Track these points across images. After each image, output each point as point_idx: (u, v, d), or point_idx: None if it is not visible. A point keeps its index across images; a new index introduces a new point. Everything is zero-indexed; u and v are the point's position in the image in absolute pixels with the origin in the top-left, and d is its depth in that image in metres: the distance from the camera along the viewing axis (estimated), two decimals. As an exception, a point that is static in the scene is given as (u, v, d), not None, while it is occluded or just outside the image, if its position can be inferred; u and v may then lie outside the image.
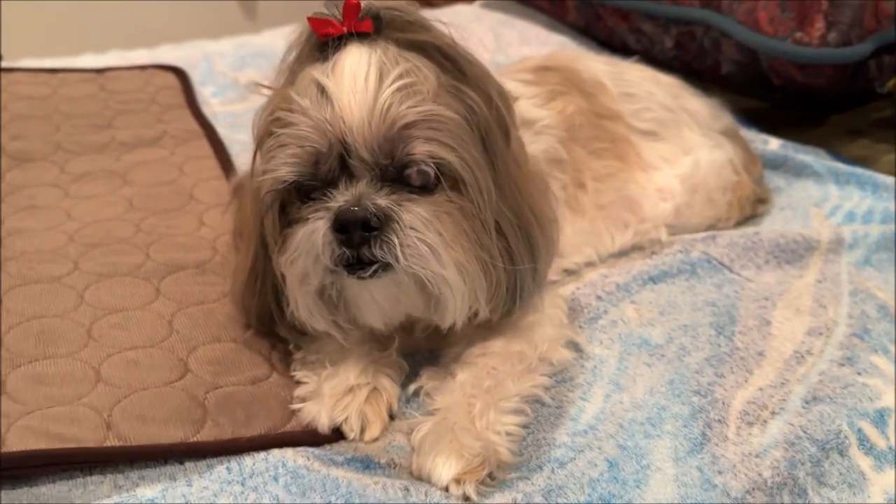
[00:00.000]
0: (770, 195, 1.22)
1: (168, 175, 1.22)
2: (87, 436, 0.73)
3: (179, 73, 1.58)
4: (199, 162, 1.27)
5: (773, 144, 1.33)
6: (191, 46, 1.76)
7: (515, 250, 0.81)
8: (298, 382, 0.84)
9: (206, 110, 1.47)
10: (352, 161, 0.75)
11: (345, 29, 0.78)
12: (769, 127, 1.41)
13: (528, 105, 1.03)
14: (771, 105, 1.51)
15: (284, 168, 0.77)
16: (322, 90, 0.75)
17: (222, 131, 1.39)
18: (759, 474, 0.73)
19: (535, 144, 0.99)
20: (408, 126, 0.74)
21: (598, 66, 1.17)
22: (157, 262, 1.01)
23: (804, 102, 1.45)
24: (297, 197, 0.79)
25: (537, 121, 1.02)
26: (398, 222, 0.73)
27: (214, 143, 1.33)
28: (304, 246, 0.76)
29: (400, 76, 0.75)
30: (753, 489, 0.72)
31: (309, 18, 0.81)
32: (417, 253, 0.74)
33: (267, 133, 0.80)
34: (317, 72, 0.77)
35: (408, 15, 0.81)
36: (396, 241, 0.73)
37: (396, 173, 0.76)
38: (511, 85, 1.04)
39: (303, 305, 0.80)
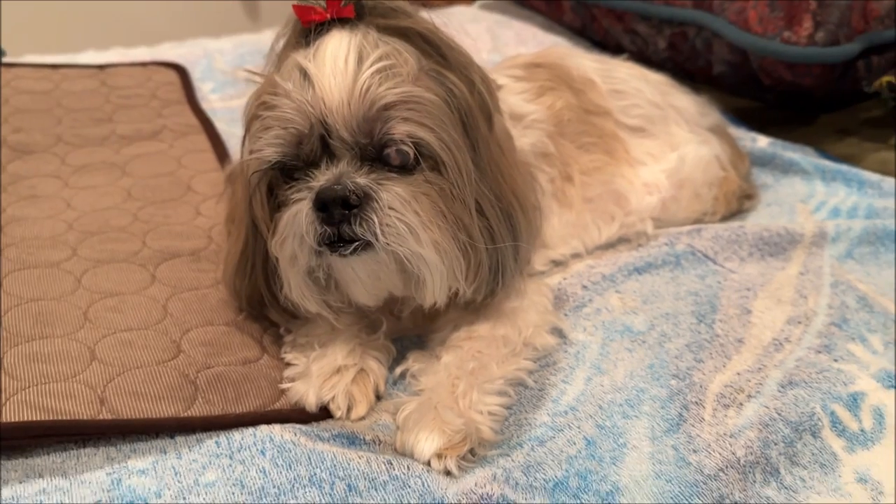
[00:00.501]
0: (757, 191, 1.25)
1: (166, 167, 1.25)
2: (81, 410, 0.76)
3: (180, 70, 1.61)
4: (197, 155, 1.30)
5: (762, 142, 1.35)
6: (192, 44, 1.79)
7: (497, 231, 0.83)
8: (288, 364, 0.86)
9: (205, 106, 1.49)
10: (332, 141, 0.78)
11: (328, 15, 0.81)
12: (760, 126, 1.44)
13: (517, 100, 1.06)
14: (762, 105, 1.53)
15: (269, 149, 0.80)
16: (304, 73, 0.78)
17: (220, 126, 1.41)
18: (733, 453, 0.75)
19: (524, 138, 1.02)
20: (387, 107, 0.77)
21: (587, 63, 1.19)
22: (153, 250, 1.03)
23: (794, 102, 1.47)
24: (282, 178, 0.82)
25: (526, 115, 1.05)
26: (377, 201, 0.76)
27: (212, 138, 1.36)
28: (291, 227, 0.79)
29: (379, 58, 0.77)
30: (727, 467, 0.73)
31: (294, 6, 0.83)
32: (396, 232, 0.76)
33: (254, 117, 0.83)
34: (300, 56, 0.79)
35: (390, 1, 0.83)
36: (375, 219, 0.75)
37: (376, 153, 0.78)
38: (502, 80, 1.07)
39: (294, 286, 0.82)
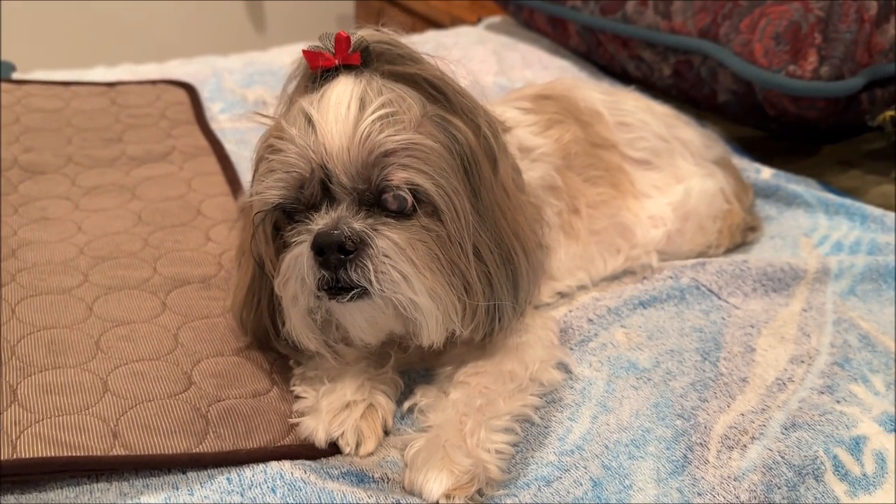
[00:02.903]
0: (761, 223, 1.26)
1: (176, 190, 1.26)
2: (94, 444, 0.76)
3: (189, 89, 1.62)
4: (206, 178, 1.31)
5: (766, 174, 1.36)
6: (200, 62, 1.80)
7: (495, 276, 0.84)
8: (297, 397, 0.87)
9: (214, 126, 1.51)
10: (333, 186, 0.79)
11: (336, 61, 0.83)
12: (763, 156, 1.45)
13: (526, 133, 1.07)
14: (765, 134, 1.55)
15: (271, 191, 0.82)
16: (308, 119, 0.80)
17: (230, 147, 1.42)
18: (737, 497, 0.76)
19: (532, 171, 1.03)
20: (387, 154, 0.78)
21: (595, 95, 1.20)
22: (163, 277, 1.04)
23: (798, 133, 1.48)
24: (284, 219, 0.84)
25: (535, 148, 1.06)
26: (373, 248, 0.77)
27: (222, 160, 1.37)
28: (293, 269, 0.81)
29: (381, 106, 0.79)
30: (731, 511, 0.75)
31: (304, 51, 0.85)
32: (390, 279, 0.78)
33: (261, 158, 0.85)
34: (305, 102, 0.82)
35: (398, 48, 0.85)
36: (370, 266, 0.77)
37: (374, 198, 0.80)
38: (510, 113, 1.09)
39: (296, 325, 0.83)
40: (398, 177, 0.78)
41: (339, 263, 0.77)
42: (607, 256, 1.11)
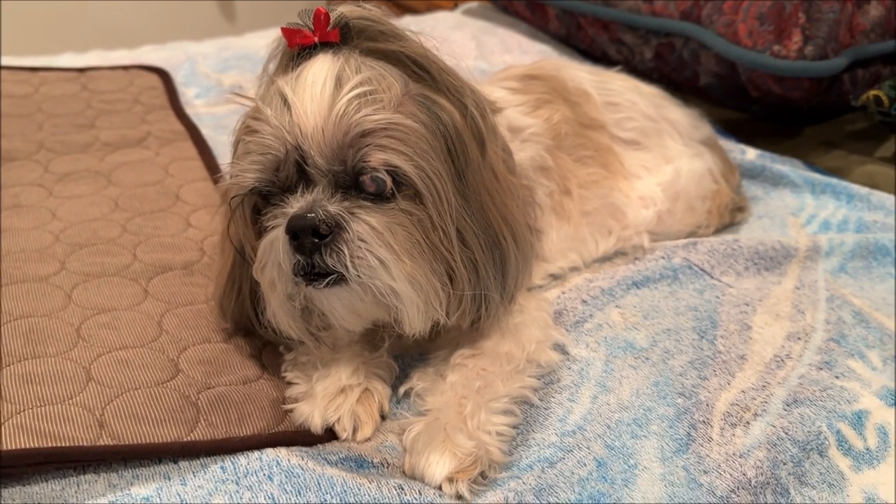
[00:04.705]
0: (748, 204, 1.25)
1: (153, 176, 1.22)
2: (79, 434, 0.73)
3: (162, 74, 1.58)
4: (184, 163, 1.27)
5: (751, 154, 1.36)
6: (173, 47, 1.76)
7: (480, 262, 0.81)
8: (290, 383, 0.84)
9: (190, 111, 1.47)
10: (308, 168, 0.76)
11: (314, 39, 0.80)
12: (746, 137, 1.45)
13: (515, 113, 1.05)
14: (748, 116, 1.55)
15: (246, 174, 0.79)
16: (284, 99, 0.77)
17: (206, 133, 1.39)
18: (744, 474, 0.75)
19: (523, 152, 1.01)
20: (364, 134, 0.75)
21: (582, 75, 1.19)
22: (144, 263, 1.01)
23: (780, 114, 1.48)
24: (262, 203, 0.81)
25: (525, 129, 1.04)
26: (348, 232, 0.74)
27: (199, 145, 1.33)
28: (269, 254, 0.78)
29: (359, 84, 0.75)
30: (738, 488, 0.73)
31: (282, 28, 0.82)
32: (367, 265, 0.74)
33: (238, 140, 0.82)
34: (282, 81, 0.78)
35: (379, 24, 0.81)
36: (346, 251, 0.74)
37: (351, 181, 0.76)
38: (498, 93, 1.06)
39: (276, 312, 0.81)
40: (376, 158, 0.75)
41: (314, 248, 0.74)
42: (599, 237, 1.09)
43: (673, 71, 1.58)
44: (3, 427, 0.73)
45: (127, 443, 0.73)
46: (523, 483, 0.74)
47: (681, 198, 1.15)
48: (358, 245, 0.74)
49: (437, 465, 0.73)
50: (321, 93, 0.75)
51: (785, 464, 0.76)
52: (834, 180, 1.27)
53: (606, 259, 1.09)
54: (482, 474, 0.74)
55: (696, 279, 1.04)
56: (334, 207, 0.75)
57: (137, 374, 0.82)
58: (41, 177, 1.21)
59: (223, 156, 1.31)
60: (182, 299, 0.95)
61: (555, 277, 1.05)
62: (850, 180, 1.29)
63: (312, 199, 0.75)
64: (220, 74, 1.63)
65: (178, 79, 1.59)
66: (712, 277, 1.04)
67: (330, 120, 0.74)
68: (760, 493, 0.74)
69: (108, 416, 0.76)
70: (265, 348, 0.89)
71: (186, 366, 0.84)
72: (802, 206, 1.24)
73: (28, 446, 0.70)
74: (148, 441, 0.74)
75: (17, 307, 0.90)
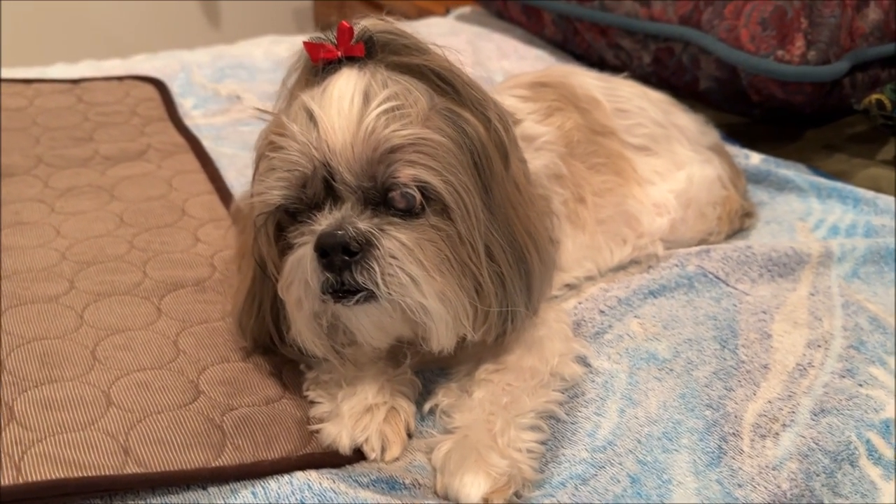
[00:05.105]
0: (755, 209, 1.25)
1: (157, 190, 1.20)
2: (104, 462, 0.71)
3: (158, 85, 1.56)
4: (187, 176, 1.25)
5: (755, 159, 1.36)
6: (166, 56, 1.73)
7: (507, 276, 0.81)
8: (312, 402, 0.83)
9: (189, 122, 1.45)
10: (336, 184, 0.75)
11: (338, 53, 0.79)
12: (747, 142, 1.45)
13: (527, 121, 1.04)
14: (748, 121, 1.55)
15: (272, 192, 0.78)
16: (310, 114, 0.76)
17: (207, 144, 1.37)
18: (778, 486, 0.74)
19: (537, 160, 1.00)
20: (392, 150, 0.74)
21: (591, 81, 1.18)
22: (155, 281, 0.99)
23: (781, 118, 1.48)
24: (287, 219, 0.79)
25: (538, 137, 1.03)
26: (379, 248, 0.73)
27: (201, 157, 1.31)
28: (296, 272, 0.77)
29: (387, 99, 0.75)
30: (774, 502, 0.73)
31: (305, 42, 0.81)
32: (398, 282, 0.74)
33: (261, 156, 0.80)
34: (307, 96, 0.77)
35: (403, 38, 0.81)
36: (377, 268, 0.73)
37: (380, 197, 0.76)
38: (509, 101, 1.05)
39: (301, 330, 0.79)
40: (405, 174, 0.75)
41: (343, 265, 0.73)
42: (613, 246, 1.09)
43: (672, 75, 1.58)
44: (25, 456, 0.71)
45: (155, 470, 0.71)
46: (558, 501, 0.73)
47: (692, 205, 1.15)
48: (389, 262, 0.73)
49: (472, 486, 0.72)
50: (349, 108, 0.74)
51: (818, 475, 0.76)
52: (839, 184, 1.27)
53: (621, 268, 1.09)
54: (516, 493, 0.73)
55: (711, 287, 1.04)
56: (364, 224, 0.73)
57: (158, 397, 0.80)
58: (41, 192, 1.19)
59: (226, 168, 1.29)
60: (196, 317, 0.93)
61: (570, 287, 1.04)
62: (854, 184, 1.30)
63: (342, 216, 0.74)
64: (217, 84, 1.61)
65: (174, 89, 1.57)
66: (727, 285, 1.04)
67: (359, 136, 0.73)
68: (796, 505, 0.73)
69: (132, 441, 0.74)
70: (285, 366, 0.88)
71: (207, 387, 0.83)
72: (809, 211, 1.24)
73: (53, 476, 0.69)
74: (176, 467, 0.72)
75: (30, 329, 0.88)
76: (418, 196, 0.75)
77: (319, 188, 0.76)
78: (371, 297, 0.74)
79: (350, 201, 0.75)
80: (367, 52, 0.79)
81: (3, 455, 0.71)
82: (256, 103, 1.54)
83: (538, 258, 0.84)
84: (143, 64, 1.68)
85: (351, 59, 0.79)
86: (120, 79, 1.57)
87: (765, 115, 1.50)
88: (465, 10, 2.10)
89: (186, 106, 1.52)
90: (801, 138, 1.48)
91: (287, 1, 3.14)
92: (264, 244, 0.82)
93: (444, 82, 0.80)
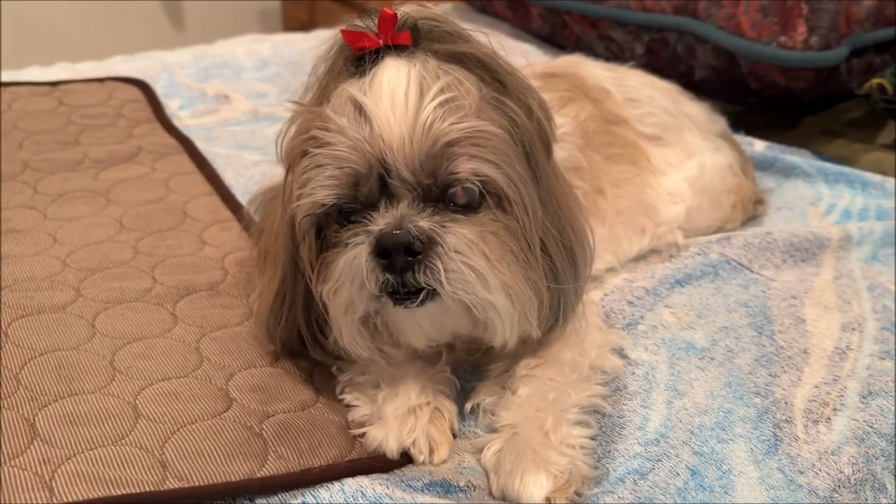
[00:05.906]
0: (764, 196, 1.25)
1: (155, 193, 1.15)
2: (142, 477, 0.67)
3: (142, 86, 1.50)
4: (184, 178, 1.20)
5: (759, 146, 1.35)
6: (144, 58, 1.67)
7: (560, 268, 0.79)
8: (349, 405, 0.79)
9: (178, 124, 1.39)
10: (392, 181, 0.72)
11: (381, 42, 0.75)
12: (746, 130, 1.44)
13: (545, 112, 1.02)
14: (743, 109, 1.54)
15: (322, 191, 0.73)
16: (359, 108, 0.72)
17: (200, 145, 1.32)
18: (840, 471, 0.73)
19: (557, 152, 0.98)
20: (451, 143, 0.71)
21: (599, 71, 1.16)
22: (166, 286, 0.94)
23: (777, 105, 1.48)
24: (335, 220, 0.75)
25: (556, 128, 1.01)
26: (442, 246, 0.70)
27: (195, 158, 1.26)
28: (348, 274, 0.72)
29: (441, 91, 0.71)
30: (839, 487, 0.72)
31: (342, 31, 0.77)
32: (463, 279, 0.70)
33: (301, 153, 0.75)
34: (353, 88, 0.73)
35: (446, 25, 0.78)
36: (441, 266, 0.70)
37: (439, 193, 0.72)
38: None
39: (347, 334, 0.75)
40: (466, 168, 0.71)
41: (405, 266, 0.70)
42: (633, 236, 1.07)
43: (665, 66, 1.57)
44: (56, 475, 0.66)
45: (199, 483, 0.67)
46: (619, 498, 0.71)
47: (706, 193, 1.13)
48: (453, 258, 0.69)
49: (535, 486, 0.69)
50: (405, 101, 0.70)
51: (877, 458, 0.75)
52: (846, 169, 1.27)
53: (640, 258, 1.07)
54: (576, 492, 0.70)
55: (736, 274, 1.02)
56: (426, 222, 0.70)
57: (189, 407, 0.75)
58: (31, 198, 1.13)
59: (223, 168, 1.24)
60: (215, 322, 0.89)
61: (592, 279, 1.02)
62: (858, 168, 1.30)
63: (401, 215, 0.70)
64: (203, 84, 1.55)
65: (159, 90, 1.51)
66: (752, 272, 1.03)
67: (416, 130, 0.70)
68: (860, 490, 0.72)
69: (168, 454, 0.70)
70: (314, 369, 0.84)
71: (238, 394, 0.78)
72: (819, 196, 1.24)
73: (91, 496, 0.64)
74: (220, 480, 0.67)
75: (40, 341, 0.83)
76: (479, 190, 0.72)
77: (374, 186, 0.72)
78: (433, 295, 0.70)
79: (407, 199, 0.72)
80: (411, 40, 0.75)
81: (31, 475, 0.66)
82: (245, 102, 1.50)
83: (581, 248, 0.82)
84: (122, 65, 1.62)
85: (394, 49, 0.75)
86: (101, 80, 1.51)
87: (761, 104, 1.50)
88: (447, 6, 2.07)
89: (173, 107, 1.46)
90: (800, 125, 1.49)
91: (253, 1, 3.08)
92: (307, 246, 0.77)
93: (487, 71, 0.77)
